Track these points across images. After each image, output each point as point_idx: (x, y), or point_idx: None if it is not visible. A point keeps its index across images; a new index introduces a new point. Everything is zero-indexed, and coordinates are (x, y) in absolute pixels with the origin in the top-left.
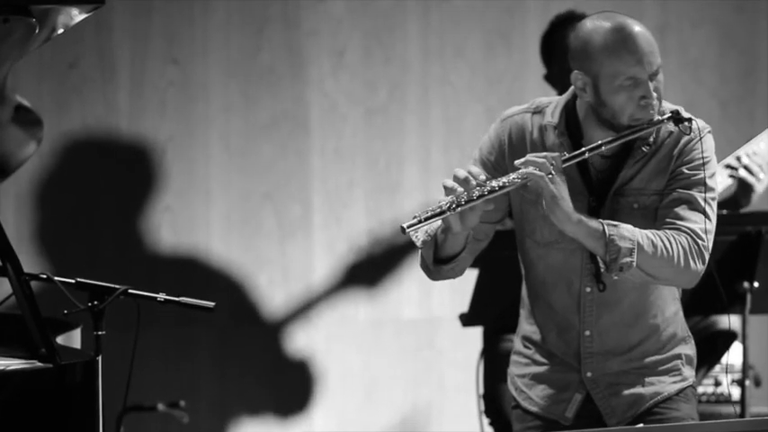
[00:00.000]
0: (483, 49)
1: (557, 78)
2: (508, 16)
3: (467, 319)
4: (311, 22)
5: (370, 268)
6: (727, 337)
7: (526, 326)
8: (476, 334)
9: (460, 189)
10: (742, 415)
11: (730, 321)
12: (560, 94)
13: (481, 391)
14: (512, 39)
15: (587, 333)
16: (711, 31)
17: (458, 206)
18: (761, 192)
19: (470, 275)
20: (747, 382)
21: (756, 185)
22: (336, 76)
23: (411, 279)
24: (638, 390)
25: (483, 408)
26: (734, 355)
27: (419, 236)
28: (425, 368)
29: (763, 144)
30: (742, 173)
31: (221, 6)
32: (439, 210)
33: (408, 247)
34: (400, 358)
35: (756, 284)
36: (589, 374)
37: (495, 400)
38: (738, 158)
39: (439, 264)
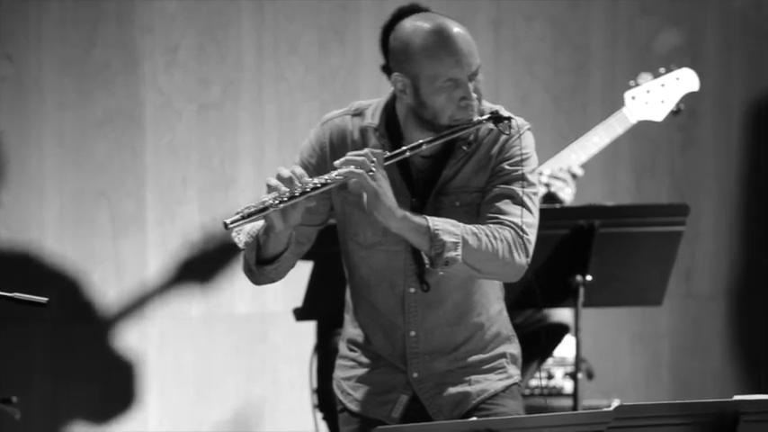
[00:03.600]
0: (317, 45)
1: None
2: (342, 12)
3: (300, 314)
4: (145, 18)
5: (204, 264)
6: (560, 330)
7: (351, 329)
8: (309, 328)
9: (284, 188)
10: (575, 408)
11: (562, 314)
12: None
13: (314, 385)
14: (345, 35)
15: (412, 333)
16: (545, 26)
17: (281, 203)
18: (570, 201)
19: (304, 270)
20: (580, 375)
21: (564, 198)
22: (170, 73)
23: (244, 275)
24: (465, 388)
25: (316, 402)
26: (567, 349)
27: (241, 237)
28: (259, 363)
29: (574, 156)
30: (543, 189)
31: (55, 2)
32: (262, 206)
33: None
34: (234, 354)
35: (589, 278)
36: (415, 375)
37: (328, 394)
38: (540, 173)
39: (262, 265)
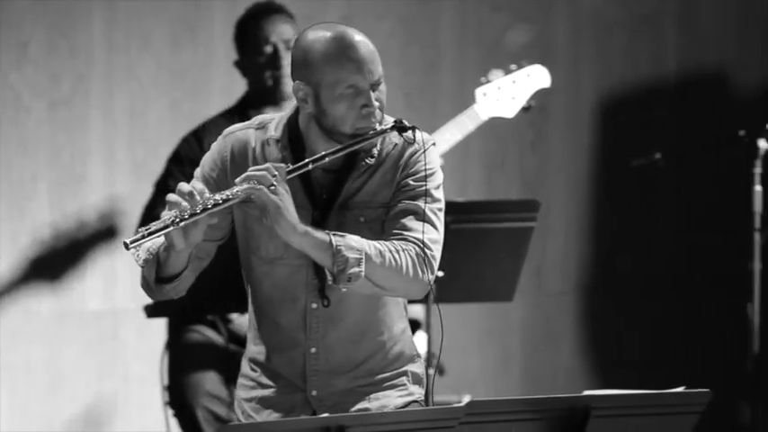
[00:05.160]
0: (169, 41)
1: (247, 68)
2: (194, 8)
3: (151, 311)
4: None
5: (54, 261)
6: (411, 327)
7: (252, 347)
8: (160, 325)
9: (185, 204)
10: (426, 404)
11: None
12: (249, 82)
13: (165, 382)
14: (198, 31)
15: (313, 350)
16: (395, 24)
17: (181, 220)
18: None
19: None
20: (431, 371)
21: None
22: (20, 69)
23: (95, 271)
24: (365, 405)
25: (167, 399)
26: (418, 345)
27: (140, 255)
28: (110, 360)
29: None
30: None
31: None
32: (162, 224)
33: (92, 240)
34: (84, 351)
35: (441, 274)
36: (314, 393)
37: (178, 391)
38: None
39: (161, 283)
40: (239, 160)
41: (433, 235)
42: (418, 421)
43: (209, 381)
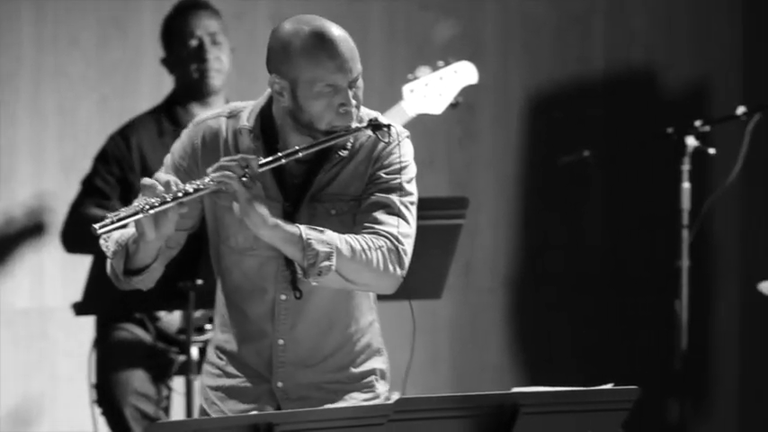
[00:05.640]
0: (97, 39)
1: (173, 63)
2: (123, 5)
3: (80, 309)
4: None
5: None
6: None
7: (220, 335)
8: (88, 323)
9: (160, 188)
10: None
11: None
12: (176, 78)
13: (93, 380)
14: (127, 28)
15: (281, 342)
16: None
17: (151, 208)
18: None
19: (83, 265)
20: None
21: None
22: None
23: (23, 269)
24: (328, 405)
25: (95, 397)
26: None
27: (110, 246)
28: (37, 358)
29: None
30: None
31: None
32: (132, 211)
33: (19, 237)
34: (12, 349)
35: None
36: (280, 384)
37: (106, 389)
38: None
39: (129, 275)
40: (210, 148)
41: (405, 229)
42: (347, 419)
43: (137, 379)
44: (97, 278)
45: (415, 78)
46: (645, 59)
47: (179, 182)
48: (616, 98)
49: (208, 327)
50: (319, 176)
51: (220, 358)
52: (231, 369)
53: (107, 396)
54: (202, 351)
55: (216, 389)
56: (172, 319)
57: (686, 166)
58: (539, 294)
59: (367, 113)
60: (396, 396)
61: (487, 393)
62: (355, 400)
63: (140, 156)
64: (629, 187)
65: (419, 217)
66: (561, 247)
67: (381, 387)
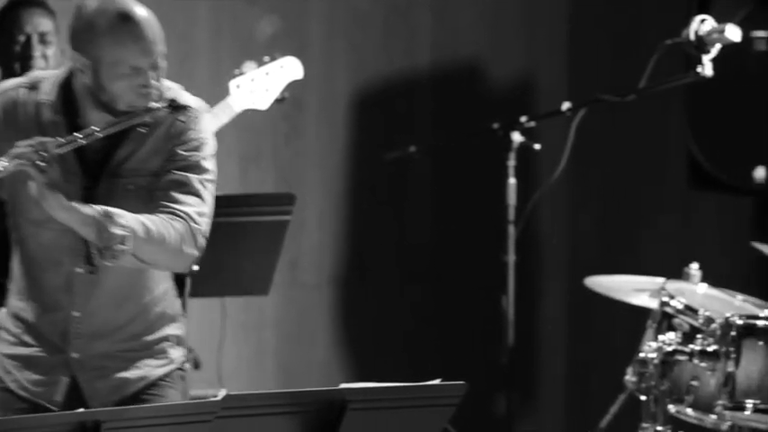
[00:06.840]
0: None
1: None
2: None
3: None
4: None
5: None
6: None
7: (16, 302)
8: None
9: None
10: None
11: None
12: (2, 70)
13: None
14: None
15: (76, 314)
16: None
17: None
18: None
19: None
20: (187, 365)
21: None
22: None
23: None
24: (124, 374)
25: None
26: None
27: None
28: None
29: None
30: None
31: None
32: None
33: None
34: None
35: (196, 268)
36: (75, 355)
37: None
38: None
39: None
40: (9, 119)
41: (201, 208)
42: (175, 416)
43: None
44: None
45: (242, 74)
46: (470, 54)
47: None
48: (442, 93)
49: None
50: (118, 152)
51: (17, 327)
52: (27, 338)
53: None
54: None
55: (12, 357)
56: None
57: (512, 162)
58: (365, 290)
59: (168, 87)
60: (223, 393)
61: (315, 390)
62: (149, 366)
63: None
64: (456, 183)
65: (246, 213)
66: (388, 242)
67: (176, 353)
